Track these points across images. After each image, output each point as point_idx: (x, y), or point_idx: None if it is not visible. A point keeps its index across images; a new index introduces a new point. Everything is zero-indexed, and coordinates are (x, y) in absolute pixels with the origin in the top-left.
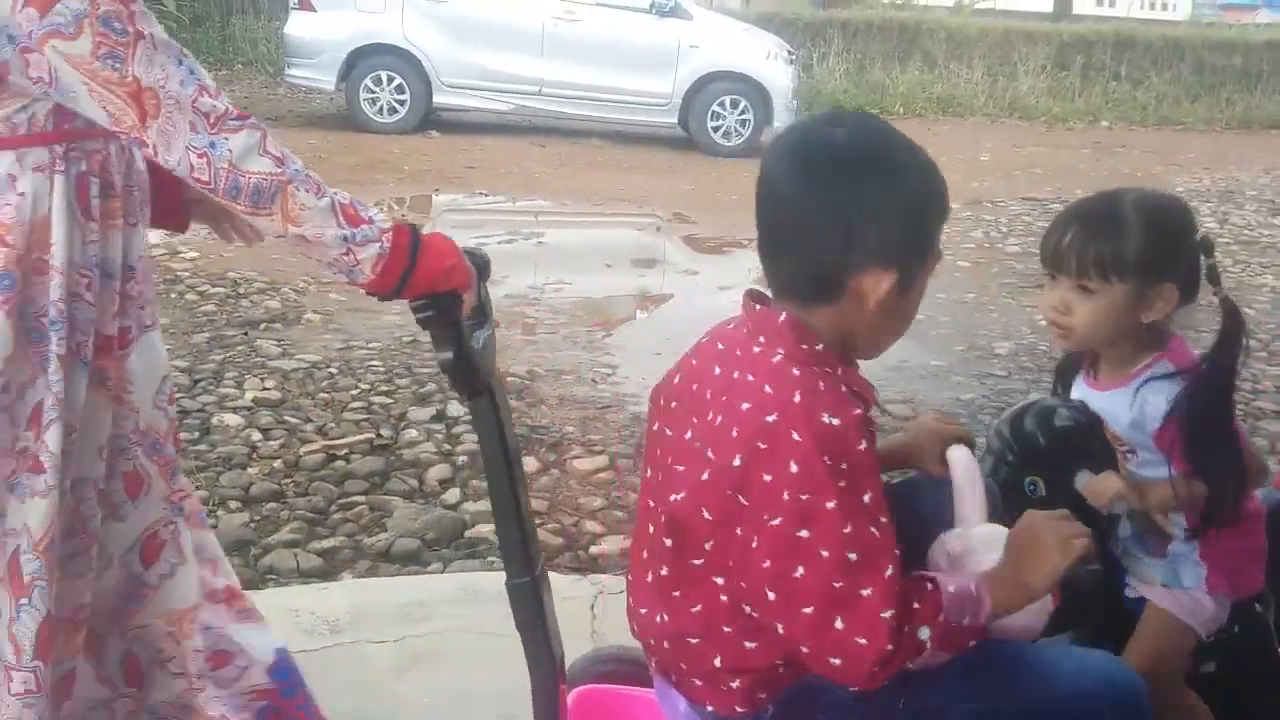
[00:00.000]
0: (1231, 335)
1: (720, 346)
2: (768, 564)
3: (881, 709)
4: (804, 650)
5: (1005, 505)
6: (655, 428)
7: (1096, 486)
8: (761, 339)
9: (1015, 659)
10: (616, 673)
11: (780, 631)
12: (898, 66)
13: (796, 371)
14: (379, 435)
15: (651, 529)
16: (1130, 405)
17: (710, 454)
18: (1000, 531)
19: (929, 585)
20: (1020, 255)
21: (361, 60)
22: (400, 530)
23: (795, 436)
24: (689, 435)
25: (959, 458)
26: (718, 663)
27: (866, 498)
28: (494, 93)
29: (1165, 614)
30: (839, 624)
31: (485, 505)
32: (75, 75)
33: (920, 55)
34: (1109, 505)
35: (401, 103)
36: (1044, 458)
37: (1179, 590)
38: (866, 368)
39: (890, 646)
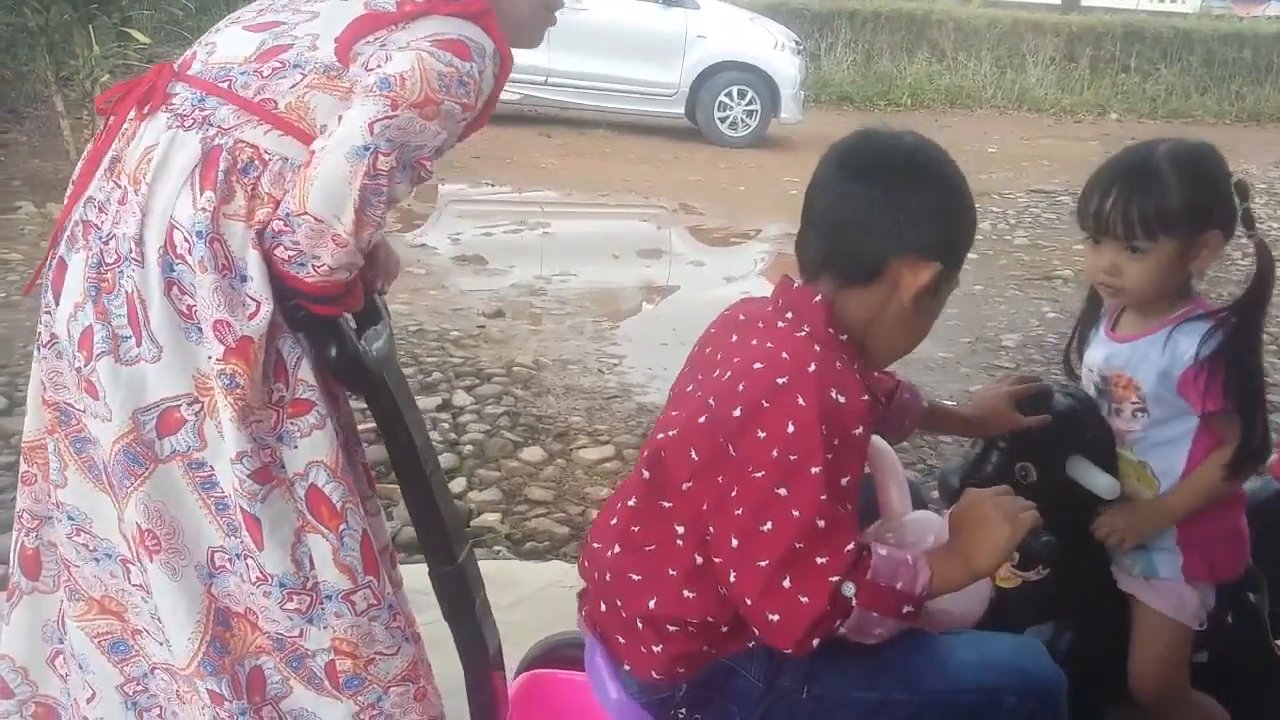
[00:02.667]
0: (1264, 275)
1: (742, 317)
2: (740, 512)
3: (787, 696)
4: (747, 603)
5: (980, 476)
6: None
7: (1100, 532)
8: (789, 314)
9: (918, 649)
10: (573, 658)
11: (731, 580)
12: (905, 57)
13: (818, 348)
14: None
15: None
16: (1162, 350)
17: (711, 402)
18: (931, 517)
19: (862, 550)
20: (1028, 247)
21: None
22: (406, 519)
23: (800, 401)
24: (690, 388)
25: (880, 446)
26: (651, 604)
27: (845, 480)
28: None
29: (1157, 616)
30: (786, 582)
31: (490, 495)
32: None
33: (928, 46)
34: (1114, 543)
35: None
36: (1037, 442)
37: (1158, 581)
38: None
39: (829, 606)
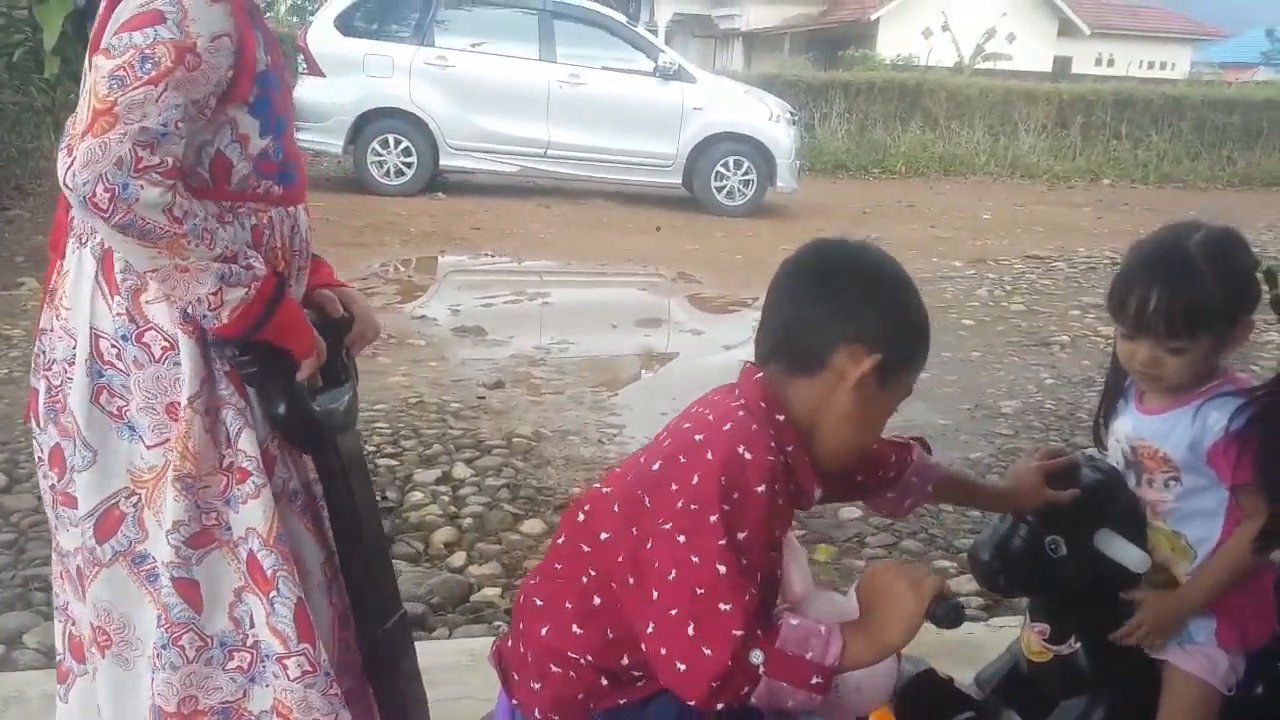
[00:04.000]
0: None
1: (712, 397)
2: (655, 565)
3: None
4: (661, 653)
5: (1018, 559)
6: None
7: (1132, 635)
8: (736, 392)
9: None
10: None
11: (648, 632)
12: (899, 126)
13: (741, 413)
14: (384, 498)
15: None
16: (1191, 422)
17: (642, 459)
18: (834, 596)
19: (776, 619)
20: (1025, 313)
21: (369, 124)
22: (406, 595)
23: (709, 455)
24: (642, 459)
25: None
26: (544, 631)
27: (741, 535)
28: (500, 155)
29: (1187, 677)
30: (691, 630)
31: (490, 569)
32: (88, 81)
33: (922, 115)
34: (1148, 644)
35: (408, 165)
36: (1065, 516)
37: (1191, 646)
38: None
39: (730, 663)
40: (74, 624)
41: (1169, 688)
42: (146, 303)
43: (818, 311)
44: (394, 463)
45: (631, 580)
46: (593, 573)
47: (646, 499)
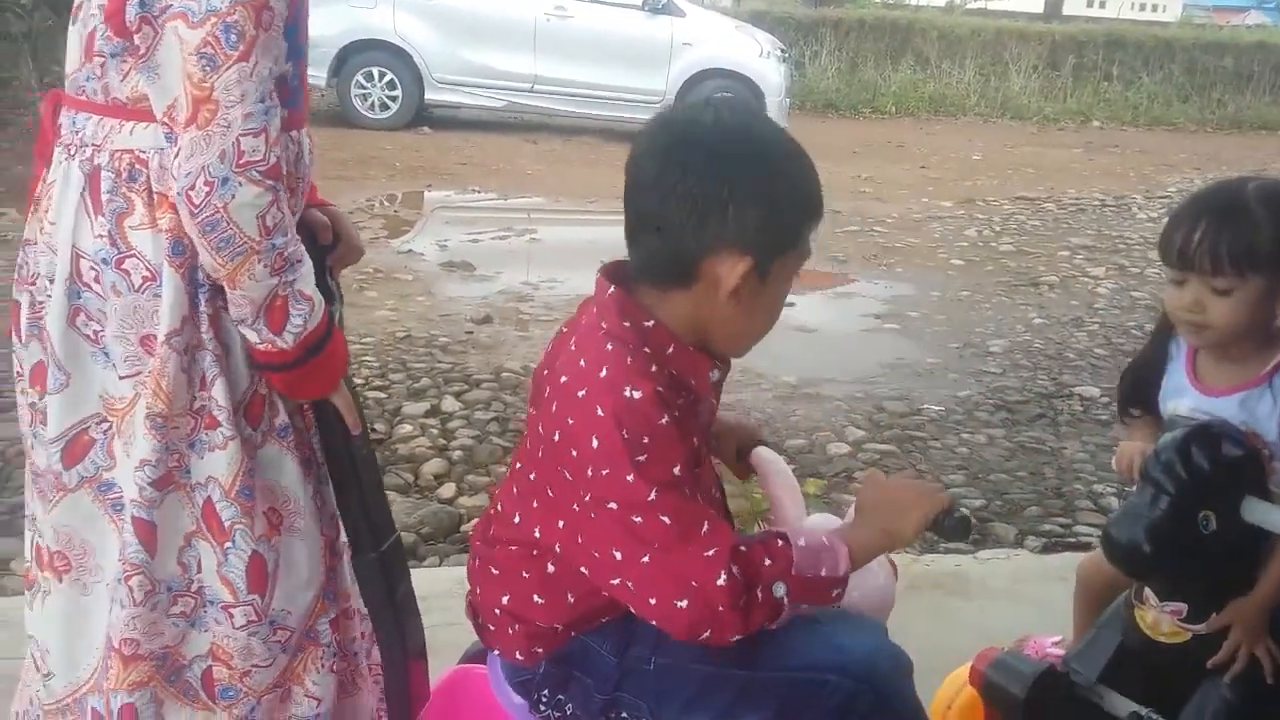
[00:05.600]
0: None
1: (581, 320)
2: (604, 534)
3: (635, 667)
4: (652, 603)
5: (1170, 539)
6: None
7: (1227, 657)
8: (594, 310)
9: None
10: None
11: (632, 590)
12: (890, 65)
13: (610, 346)
14: (373, 430)
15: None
16: (1275, 400)
17: (540, 428)
18: (831, 519)
19: (779, 541)
20: (1014, 254)
21: (353, 56)
22: (396, 525)
23: (598, 411)
24: (535, 409)
25: (768, 457)
26: (505, 600)
27: (676, 469)
28: (486, 89)
29: None
30: (666, 574)
31: (480, 500)
32: (174, 59)
33: (912, 54)
34: (1245, 652)
35: (393, 99)
36: (1213, 489)
37: None
38: (853, 367)
39: (724, 582)
40: (40, 536)
41: None
42: (131, 228)
43: (672, 216)
44: (382, 395)
45: (596, 554)
46: (541, 542)
47: (565, 472)
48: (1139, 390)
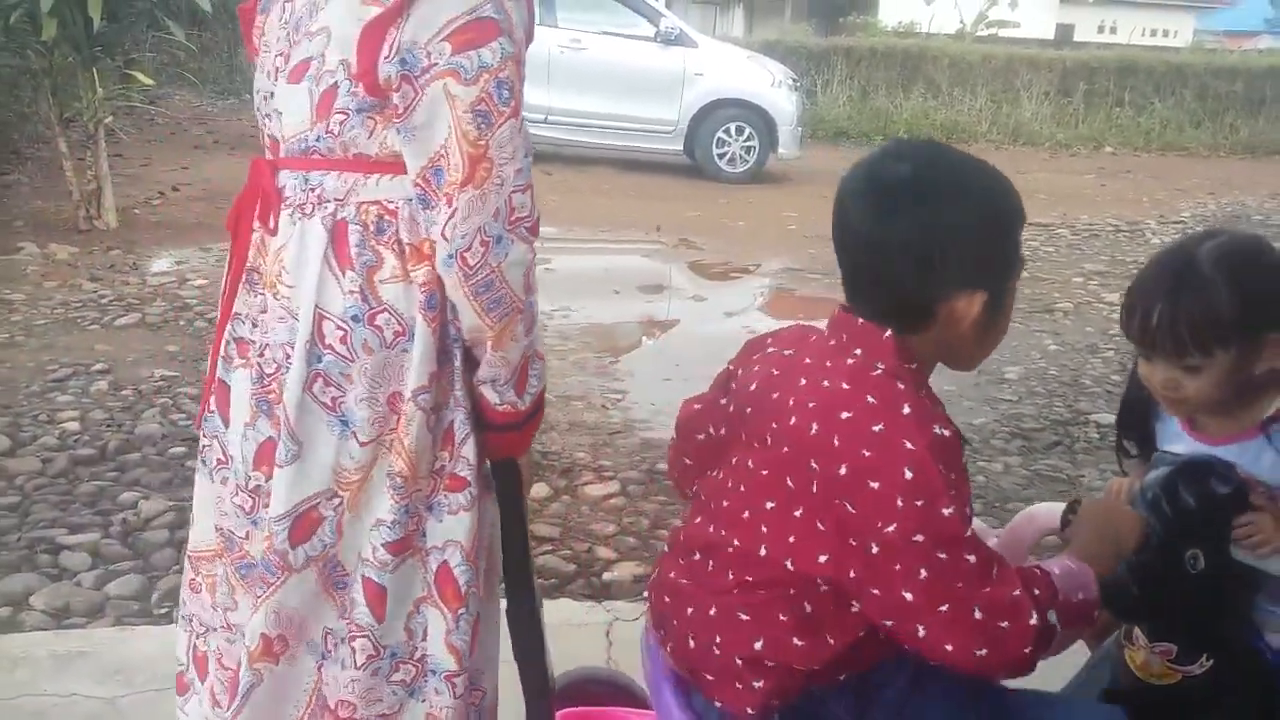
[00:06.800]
0: None
1: (789, 352)
2: (898, 568)
3: None
4: (948, 649)
5: (1158, 579)
6: (728, 430)
7: (1257, 535)
8: (858, 351)
9: (1003, 701)
10: (594, 694)
11: (922, 636)
12: (901, 93)
13: (901, 386)
14: None
15: (723, 532)
16: (1265, 454)
17: (814, 464)
18: (997, 533)
19: (1038, 571)
20: (1028, 280)
21: None
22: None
23: (908, 445)
24: (757, 441)
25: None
26: (758, 646)
27: (968, 510)
28: None
29: None
30: (978, 614)
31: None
32: (444, 117)
33: (923, 82)
34: (1261, 554)
35: None
36: (1201, 527)
37: None
38: None
39: (1034, 621)
40: (201, 635)
41: None
42: (381, 281)
43: (909, 267)
44: None
45: (876, 591)
46: (795, 579)
47: (849, 505)
48: (1133, 425)
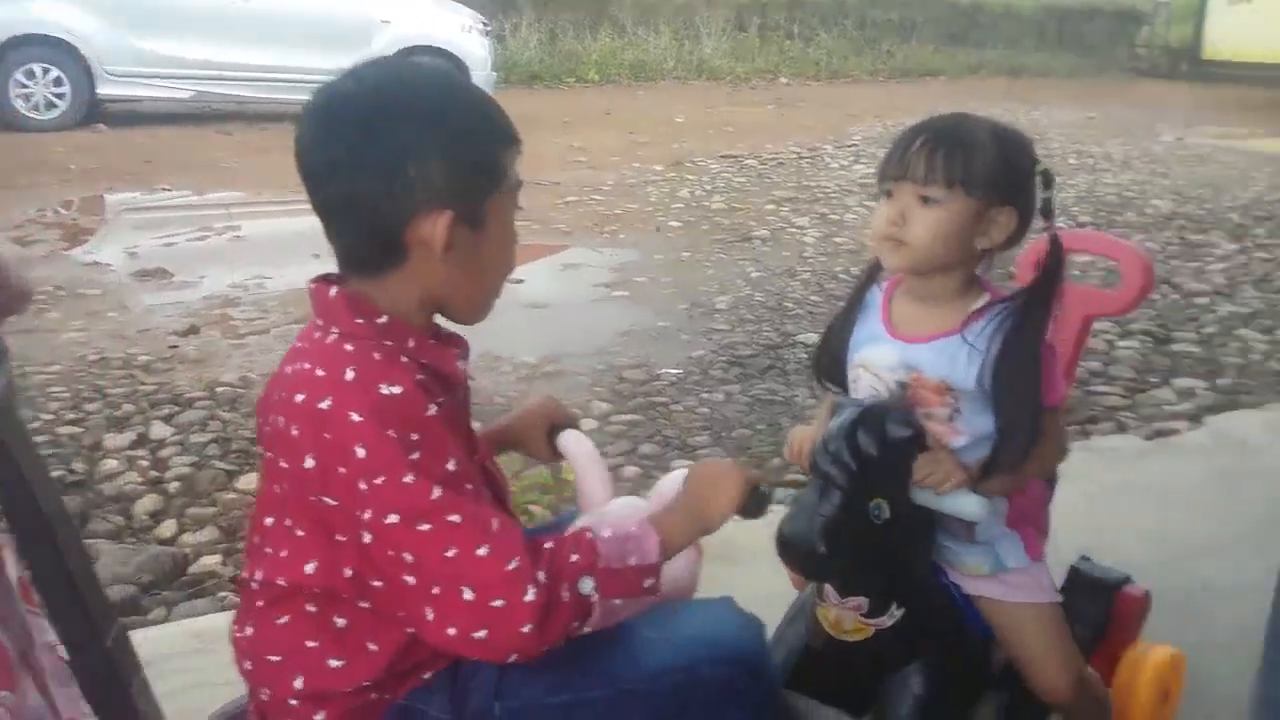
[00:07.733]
0: (1053, 271)
1: (298, 344)
2: (390, 554)
3: (480, 718)
4: (451, 634)
5: (844, 534)
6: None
7: (936, 473)
8: (320, 322)
9: (603, 640)
10: None
11: (430, 620)
12: (589, 34)
13: (349, 347)
14: (71, 471)
15: (256, 539)
16: (970, 356)
17: (282, 463)
18: (636, 502)
19: (587, 534)
20: (725, 211)
21: (10, 53)
22: (110, 577)
23: (355, 417)
24: (283, 463)
25: (574, 440)
26: (298, 685)
27: (451, 464)
28: (168, 80)
29: (1027, 611)
30: (468, 594)
31: (207, 535)
32: None
33: (609, 22)
34: (943, 490)
35: (60, 96)
36: (883, 475)
37: (1007, 574)
38: (590, 339)
39: (532, 597)
40: None
41: (1018, 633)
42: None
43: (355, 198)
44: (77, 430)
45: (378, 583)
46: (317, 598)
47: (327, 499)
48: (834, 355)
